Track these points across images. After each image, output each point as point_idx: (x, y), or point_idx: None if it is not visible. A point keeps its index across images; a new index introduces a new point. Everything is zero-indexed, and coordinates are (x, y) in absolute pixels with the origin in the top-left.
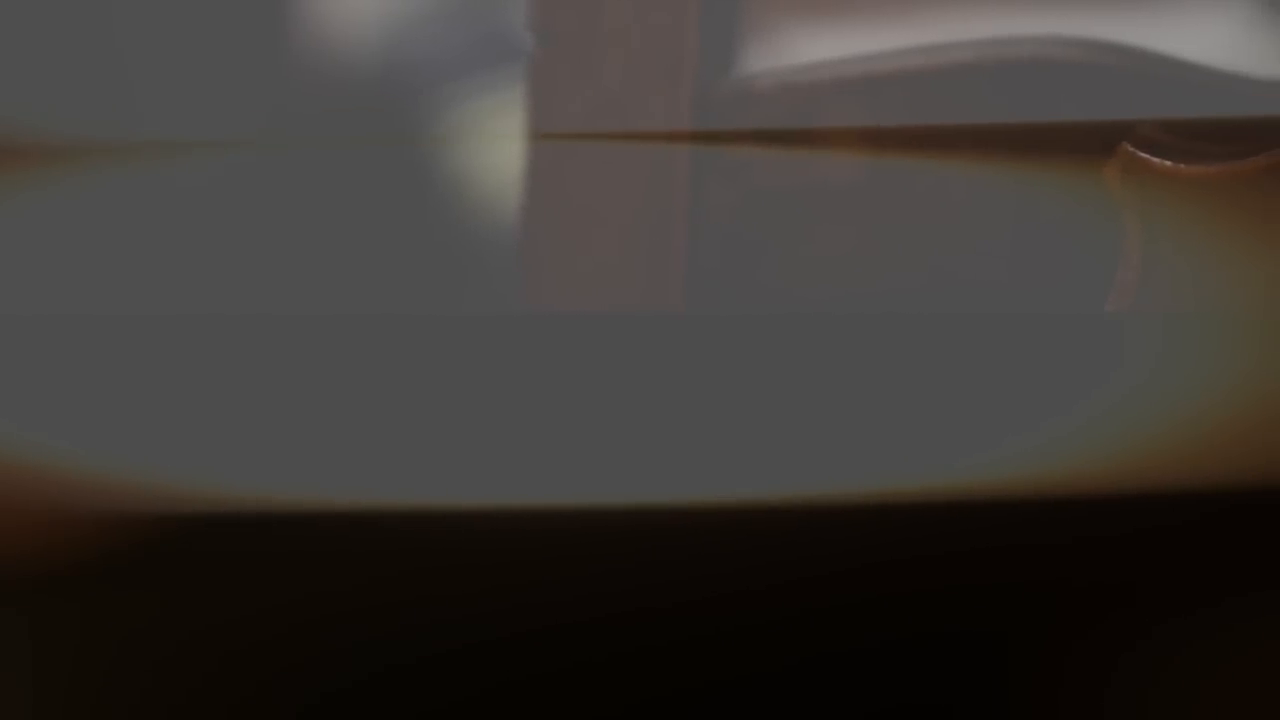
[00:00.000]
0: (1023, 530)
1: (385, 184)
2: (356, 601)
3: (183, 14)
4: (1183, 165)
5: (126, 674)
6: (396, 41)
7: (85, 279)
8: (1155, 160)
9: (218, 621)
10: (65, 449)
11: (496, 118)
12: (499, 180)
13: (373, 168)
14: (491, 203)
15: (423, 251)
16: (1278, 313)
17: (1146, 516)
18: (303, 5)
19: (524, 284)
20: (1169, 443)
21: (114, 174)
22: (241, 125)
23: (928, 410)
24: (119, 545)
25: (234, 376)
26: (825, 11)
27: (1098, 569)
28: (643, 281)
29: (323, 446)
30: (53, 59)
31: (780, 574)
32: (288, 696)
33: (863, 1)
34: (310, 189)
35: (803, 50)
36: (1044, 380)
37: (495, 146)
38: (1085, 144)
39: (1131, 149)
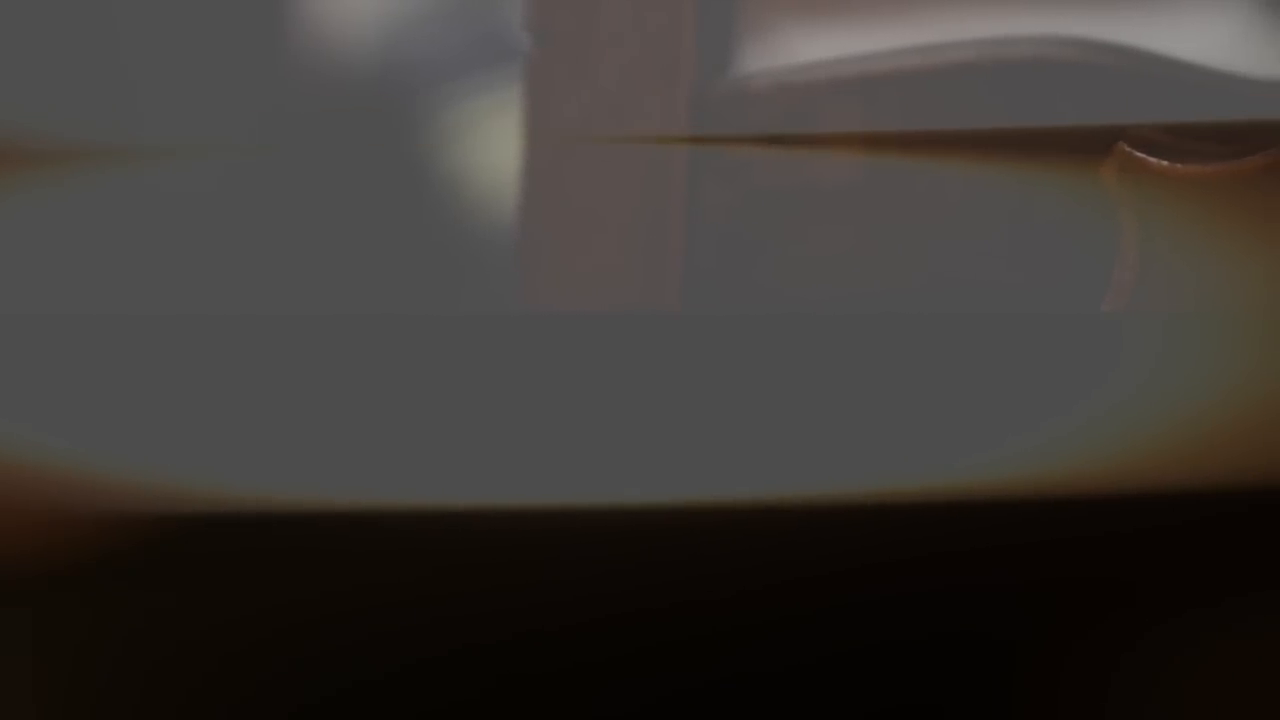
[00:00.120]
0: (1021, 530)
1: (383, 184)
2: (356, 601)
3: (180, 15)
4: (1179, 165)
5: (127, 674)
6: (394, 42)
7: (85, 279)
8: (1152, 160)
9: (218, 621)
10: (65, 449)
11: (494, 118)
12: (496, 180)
13: (370, 168)
14: (489, 203)
15: (420, 251)
16: (1275, 312)
17: (1145, 516)
18: (300, 6)
19: (522, 284)
20: (1168, 443)
21: (113, 175)
22: (239, 126)
23: (926, 410)
24: (119, 545)
25: (234, 376)
26: (822, 12)
27: (1097, 569)
28: (640, 281)
29: (322, 446)
30: (50, 61)
31: (777, 574)
32: (288, 696)
33: (859, 2)
34: (308, 189)
35: (799, 51)
36: (1041, 380)
37: (492, 147)
38: (1082, 144)
39: (1128, 149)
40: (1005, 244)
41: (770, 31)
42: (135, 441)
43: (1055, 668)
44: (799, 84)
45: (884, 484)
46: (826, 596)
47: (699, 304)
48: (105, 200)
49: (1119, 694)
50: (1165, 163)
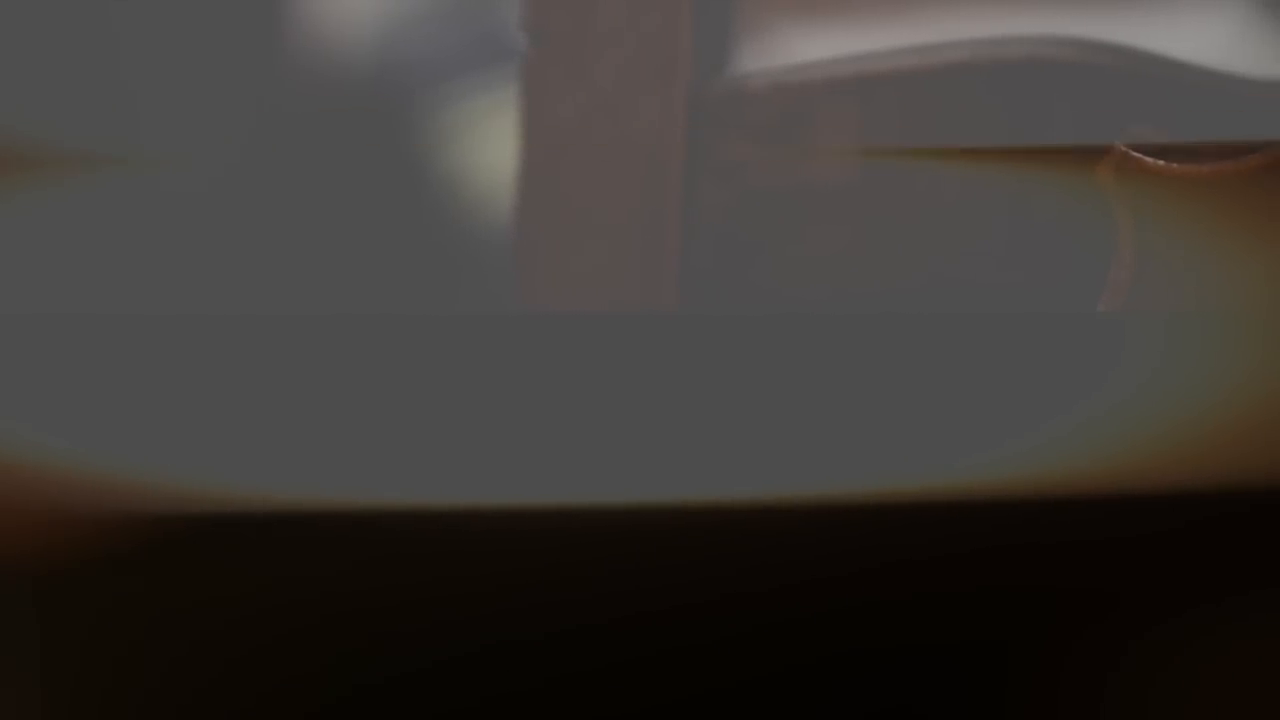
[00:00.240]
0: (1019, 531)
1: (379, 184)
2: (355, 602)
3: (177, 16)
4: (1176, 164)
5: (128, 674)
6: (390, 42)
7: (85, 279)
8: (1148, 159)
9: (218, 622)
10: (65, 449)
11: (490, 118)
12: (493, 180)
13: (367, 168)
14: (485, 203)
15: (417, 251)
16: (1273, 312)
17: (1144, 517)
18: (297, 6)
19: (518, 284)
20: (1166, 443)
21: (112, 176)
22: (236, 126)
23: (923, 411)
24: (120, 545)
25: (233, 376)
26: (818, 12)
27: (1095, 570)
28: (636, 282)
29: (321, 447)
30: (48, 63)
31: (773, 575)
32: (288, 697)
33: (856, 2)
34: (305, 190)
35: (796, 51)
36: (1039, 381)
37: (489, 147)
38: (1079, 143)
39: (1124, 148)
40: (1002, 243)
41: (767, 31)
42: (135, 441)
43: (1055, 669)
44: (796, 84)
45: (881, 485)
46: (823, 598)
47: (695, 304)
48: (104, 201)
49: (1120, 695)
50: (1161, 162)
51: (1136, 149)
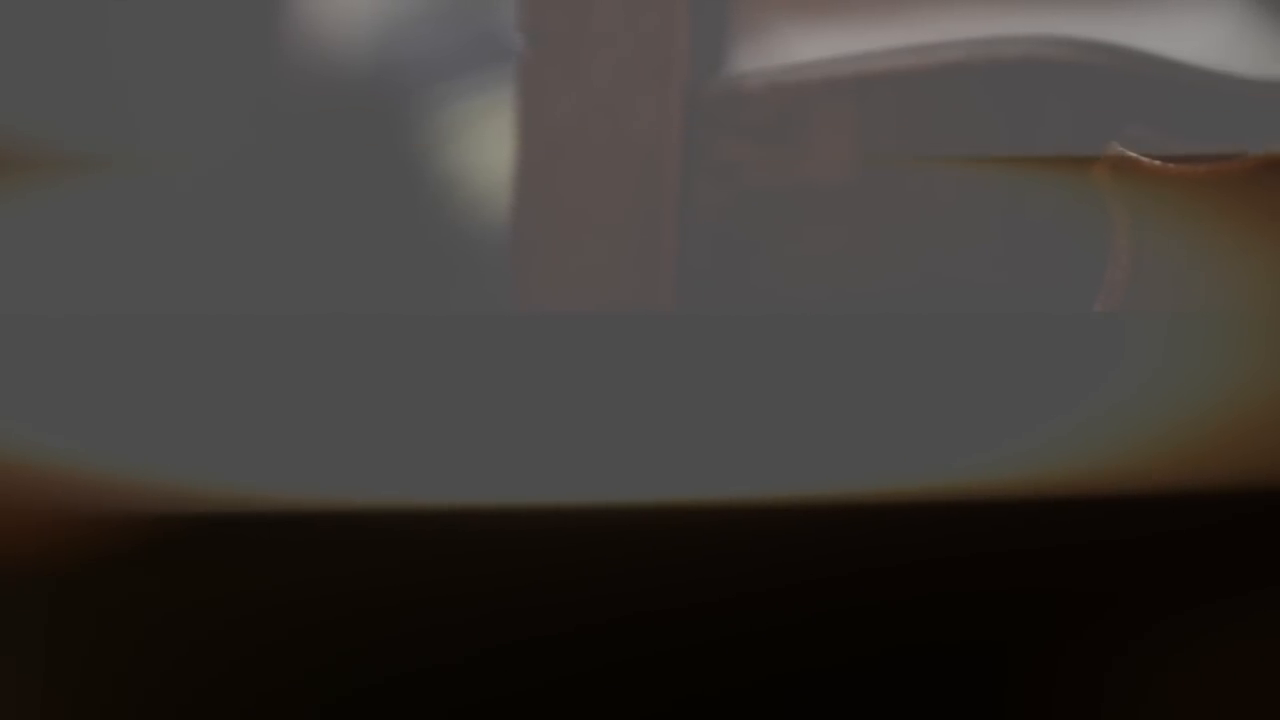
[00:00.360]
0: (1017, 532)
1: (376, 184)
2: (355, 602)
3: (174, 15)
4: (1172, 164)
5: (129, 674)
6: (388, 42)
7: (85, 280)
8: (1144, 159)
9: (219, 622)
10: (65, 449)
11: (487, 118)
12: (490, 180)
13: (364, 168)
14: (482, 203)
15: (414, 251)
16: (1270, 311)
17: (1142, 518)
18: (295, 6)
19: (515, 283)
20: (1165, 444)
21: (110, 176)
22: (233, 127)
23: (920, 411)
24: (120, 545)
25: (232, 376)
26: (815, 12)
27: (1094, 571)
28: (633, 282)
29: (320, 446)
30: (46, 65)
31: (769, 575)
32: (289, 696)
33: (853, 2)
34: (302, 190)
35: (792, 50)
36: (1036, 381)
37: (486, 147)
38: (1075, 143)
39: (1120, 148)
40: (999, 243)
41: (763, 31)
42: (135, 441)
43: (1055, 669)
44: (792, 84)
45: (879, 485)
46: (821, 599)
47: (692, 304)
48: (103, 201)
49: (1120, 696)
50: (1158, 162)
51: (1133, 149)
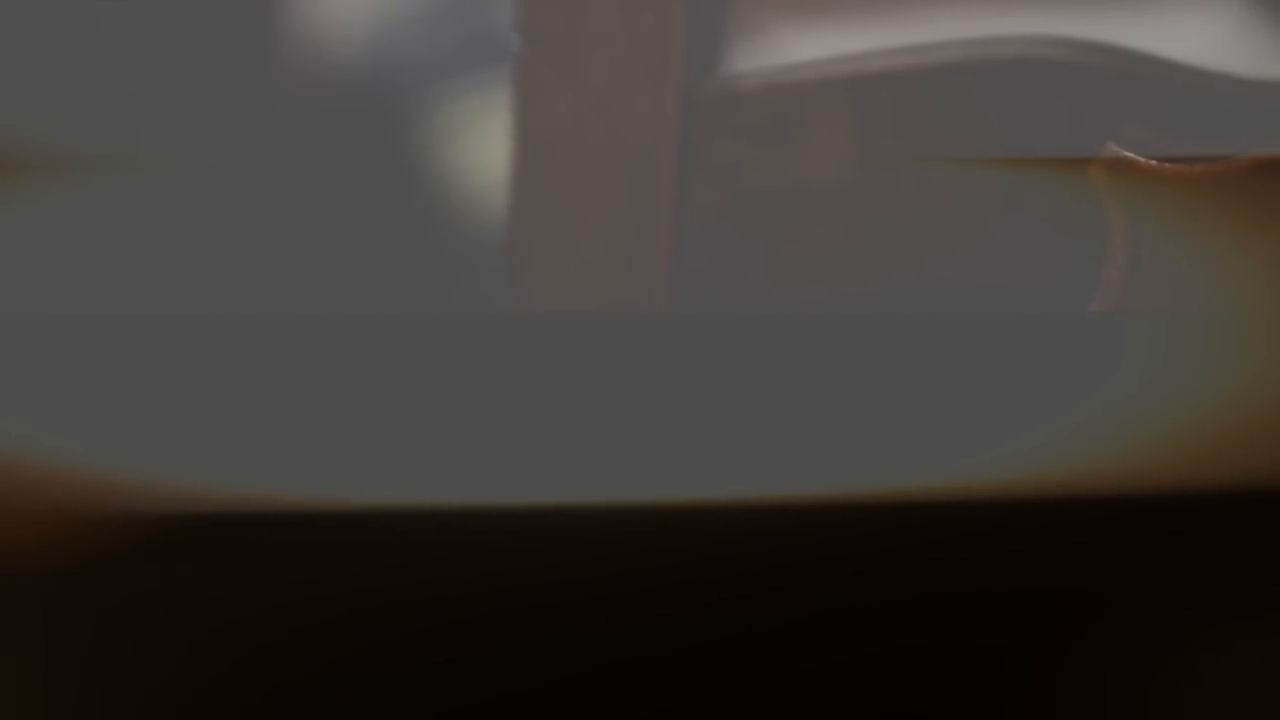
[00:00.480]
0: (1015, 533)
1: (373, 184)
2: (355, 601)
3: (170, 15)
4: (1168, 164)
5: (129, 674)
6: (384, 42)
7: (85, 280)
8: (1140, 159)
9: (219, 622)
10: (65, 449)
11: (483, 118)
12: (486, 180)
13: (360, 168)
14: (479, 202)
15: (410, 251)
16: (1267, 311)
17: (1142, 518)
18: (291, 6)
19: (511, 283)
20: (1164, 444)
21: (108, 177)
22: (230, 127)
23: (917, 411)
24: (120, 545)
25: (232, 376)
26: (811, 12)
27: (1093, 571)
28: (629, 281)
29: (319, 446)
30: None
31: (766, 576)
32: (289, 696)
33: (849, 2)
34: (299, 190)
35: (788, 50)
36: (1036, 382)
37: (482, 147)
38: (1071, 143)
39: (1117, 148)
40: (994, 243)
41: (760, 31)
42: (135, 441)
43: (1055, 670)
44: (788, 84)
45: (876, 486)
46: (818, 599)
47: (688, 304)
48: (101, 202)
49: (1119, 695)
50: (1154, 162)
51: (1129, 149)
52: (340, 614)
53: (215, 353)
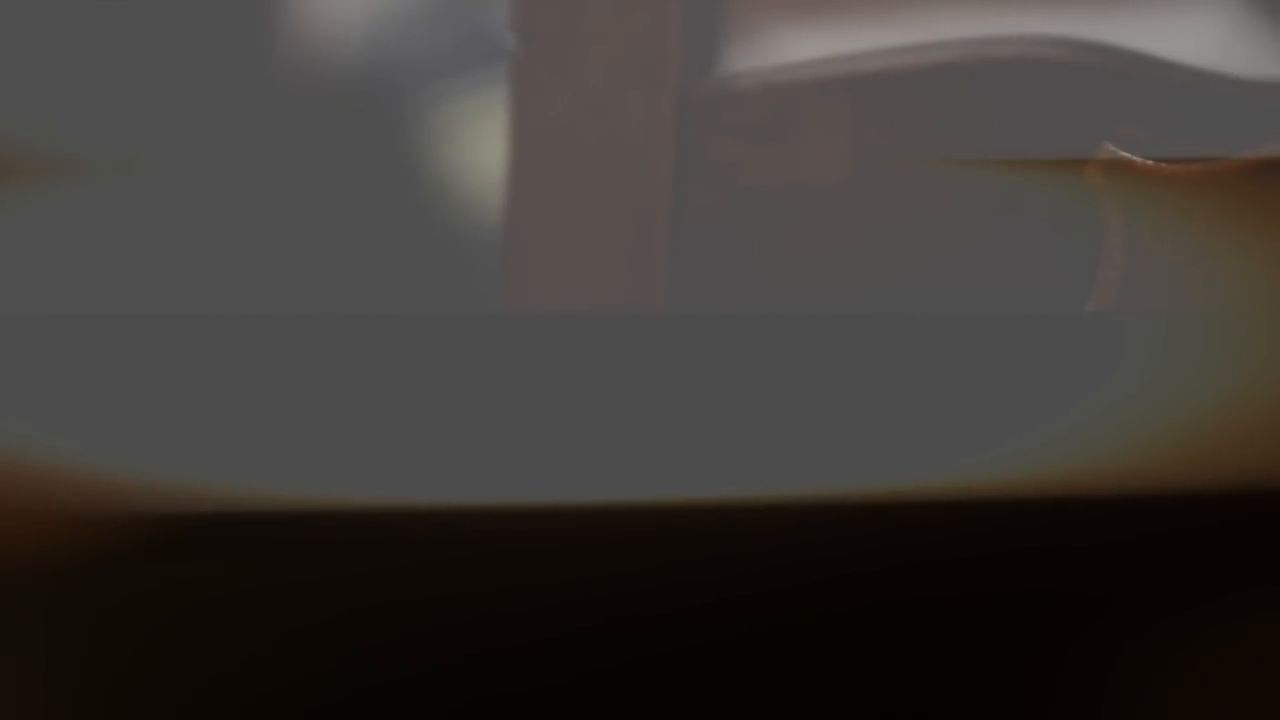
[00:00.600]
0: (1013, 534)
1: (369, 184)
2: (355, 602)
3: (167, 16)
4: (1165, 164)
5: (129, 674)
6: (380, 42)
7: (84, 280)
8: (1138, 159)
9: (218, 621)
10: (65, 449)
11: (479, 118)
12: (482, 180)
13: (357, 168)
14: (475, 203)
15: (407, 251)
16: (1265, 311)
17: (1140, 518)
18: (288, 6)
19: (507, 284)
20: (1162, 444)
21: (109, 177)
22: (226, 127)
23: (915, 412)
24: (120, 545)
25: (231, 376)
26: (808, 12)
27: (1092, 571)
28: (626, 281)
29: (317, 446)
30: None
31: (762, 576)
32: (289, 696)
33: (846, 2)
34: (295, 190)
35: (785, 50)
36: (1034, 382)
37: (478, 147)
38: (1068, 143)
39: (1114, 148)
40: (991, 243)
41: (756, 31)
42: (135, 441)
43: (1053, 670)
44: (785, 84)
45: (873, 486)
46: (815, 600)
47: (685, 304)
48: (100, 202)
49: (1118, 696)
50: (1151, 162)
51: (1126, 149)
52: (340, 614)
53: (214, 353)
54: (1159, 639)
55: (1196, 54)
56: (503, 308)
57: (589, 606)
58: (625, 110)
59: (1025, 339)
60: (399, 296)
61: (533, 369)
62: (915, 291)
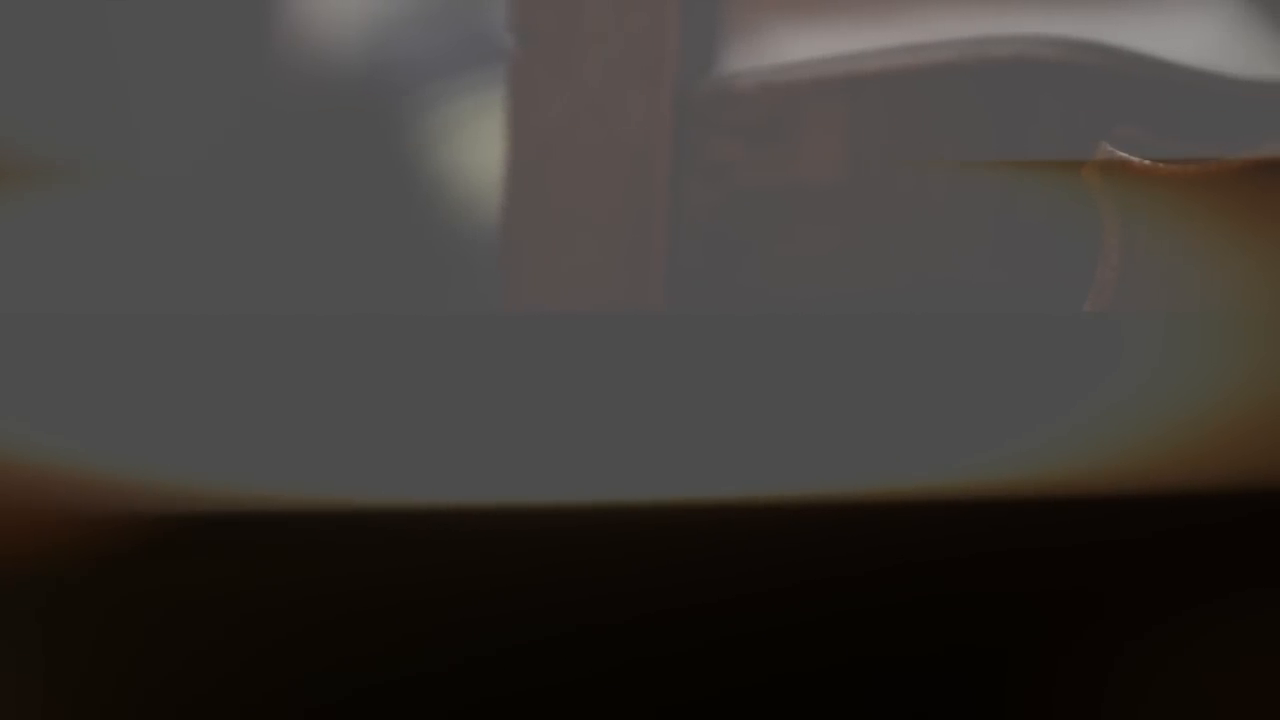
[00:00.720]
0: (1013, 533)
1: (368, 185)
2: (355, 602)
3: (164, 16)
4: (1162, 164)
5: (128, 674)
6: (379, 43)
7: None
8: (1135, 159)
9: (218, 622)
10: (65, 449)
11: (478, 118)
12: (480, 180)
13: (355, 169)
14: (473, 203)
15: (405, 251)
16: (1262, 311)
17: (1139, 519)
18: (286, 7)
19: (505, 284)
20: (1161, 445)
21: (108, 178)
22: (224, 127)
23: (912, 412)
24: (120, 545)
25: (231, 376)
26: (806, 12)
27: (1091, 571)
28: (624, 281)
29: (316, 446)
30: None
31: (759, 577)
32: (289, 697)
33: (844, 2)
34: (294, 191)
35: (783, 50)
36: (1032, 382)
37: (477, 147)
38: (1066, 143)
39: (1111, 148)
40: (989, 243)
41: (754, 31)
42: (135, 441)
43: (1052, 671)
44: (783, 84)
45: (870, 487)
46: (811, 600)
47: (683, 304)
48: (99, 203)
49: (1117, 697)
50: (1148, 162)
51: (1124, 149)
52: (340, 614)
53: (213, 353)
54: (1157, 639)
55: (1194, 54)
56: (501, 308)
57: (587, 607)
58: (623, 110)
59: (1023, 339)
60: (398, 297)
61: (531, 369)
62: (913, 292)
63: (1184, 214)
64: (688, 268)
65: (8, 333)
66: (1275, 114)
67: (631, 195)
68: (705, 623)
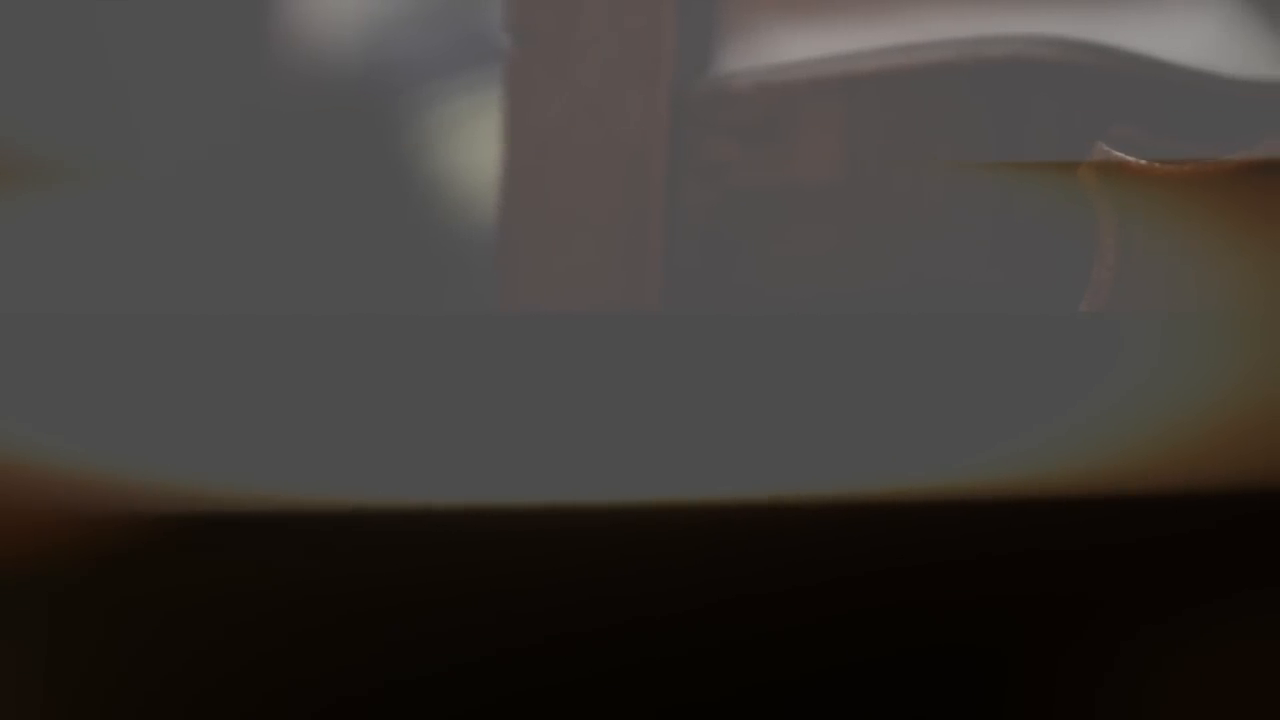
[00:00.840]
0: (1012, 534)
1: (364, 185)
2: (354, 602)
3: (163, 17)
4: (1159, 164)
5: (129, 674)
6: (376, 43)
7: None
8: (1131, 159)
9: (218, 622)
10: (66, 449)
11: (475, 119)
12: (477, 180)
13: (352, 169)
14: (470, 203)
15: (402, 252)
16: (1260, 311)
17: (1138, 520)
18: (284, 7)
19: (501, 284)
20: (1160, 445)
21: (108, 178)
22: (222, 128)
23: (910, 412)
24: (121, 545)
25: (228, 376)
26: (802, 12)
27: (1090, 572)
28: (620, 281)
29: (316, 446)
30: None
31: (758, 577)
32: (288, 697)
33: (840, 2)
34: (291, 191)
35: (780, 50)
36: (1030, 382)
37: (473, 147)
38: (1062, 143)
39: (1108, 148)
40: (985, 243)
41: (751, 31)
42: (135, 441)
43: (1051, 671)
44: (779, 84)
45: (868, 487)
46: (811, 601)
47: (679, 304)
48: (99, 203)
49: (1116, 698)
50: (1145, 162)
51: (1120, 149)
52: (340, 614)
53: (213, 353)
54: (1156, 639)
55: (1191, 54)
56: (498, 308)
57: (586, 607)
58: (620, 110)
59: (1019, 339)
60: (395, 297)
61: (528, 369)
62: (909, 292)
63: (1180, 214)
64: (684, 268)
65: (8, 333)
66: (1271, 114)
67: (628, 195)
68: (704, 623)
